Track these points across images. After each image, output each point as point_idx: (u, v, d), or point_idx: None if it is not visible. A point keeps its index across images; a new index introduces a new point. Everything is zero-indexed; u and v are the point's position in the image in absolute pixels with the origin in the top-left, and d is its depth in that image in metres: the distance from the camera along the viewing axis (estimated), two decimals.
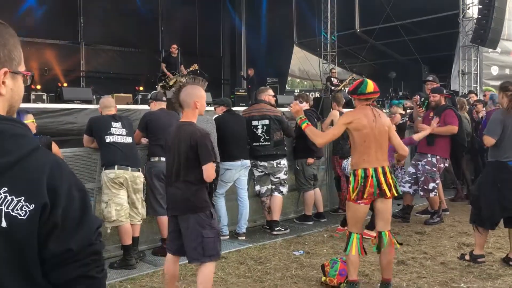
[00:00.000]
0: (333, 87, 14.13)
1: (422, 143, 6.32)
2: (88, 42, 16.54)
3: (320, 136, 4.04)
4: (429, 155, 6.33)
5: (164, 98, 5.69)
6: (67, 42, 16.14)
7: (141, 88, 14.74)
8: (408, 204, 6.66)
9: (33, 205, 1.07)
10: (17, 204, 1.06)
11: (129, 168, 4.73)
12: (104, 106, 4.98)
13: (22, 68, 1.23)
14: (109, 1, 16.65)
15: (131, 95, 12.51)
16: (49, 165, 1.13)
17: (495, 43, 13.00)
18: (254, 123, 6.01)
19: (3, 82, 1.17)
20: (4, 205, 1.06)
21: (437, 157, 6.28)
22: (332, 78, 14.56)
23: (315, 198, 6.68)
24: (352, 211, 3.87)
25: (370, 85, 3.81)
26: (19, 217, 1.06)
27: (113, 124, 4.78)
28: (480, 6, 12.52)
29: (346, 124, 3.79)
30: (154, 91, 7.21)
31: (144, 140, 5.40)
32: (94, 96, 10.58)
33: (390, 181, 3.79)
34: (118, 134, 4.76)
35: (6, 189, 1.07)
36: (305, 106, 6.85)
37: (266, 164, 5.98)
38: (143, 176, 4.94)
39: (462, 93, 13.38)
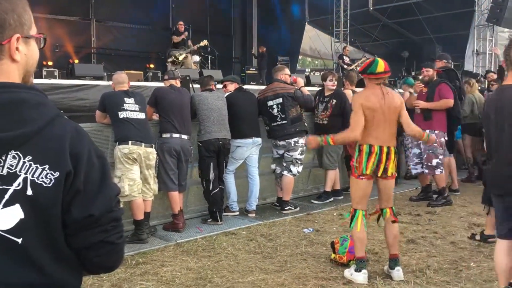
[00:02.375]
0: (345, 66, 13.98)
1: (419, 119, 6.27)
2: (99, 19, 16.46)
3: (351, 130, 3.83)
4: (427, 131, 6.26)
5: (167, 77, 5.64)
6: (78, 18, 16.06)
7: (151, 66, 14.73)
8: (427, 184, 6.65)
9: (58, 173, 1.09)
10: (42, 172, 1.08)
11: (143, 144, 4.76)
12: (117, 82, 4.98)
13: (33, 31, 1.21)
14: None
15: (142, 72, 12.49)
16: (70, 132, 1.14)
17: None
18: (269, 103, 5.97)
19: (17, 48, 1.16)
20: (30, 173, 1.08)
21: (436, 131, 6.23)
22: (344, 57, 14.39)
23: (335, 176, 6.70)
24: (356, 187, 3.88)
25: (381, 65, 3.77)
26: (44, 185, 1.08)
27: (126, 100, 4.79)
28: None
29: (361, 106, 3.76)
30: (168, 70, 7.19)
31: (155, 116, 5.42)
32: (105, 73, 10.59)
33: (391, 162, 3.78)
34: (131, 110, 4.77)
35: (31, 157, 1.08)
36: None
37: (285, 143, 5.95)
38: (155, 152, 4.97)
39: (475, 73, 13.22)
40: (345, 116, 6.07)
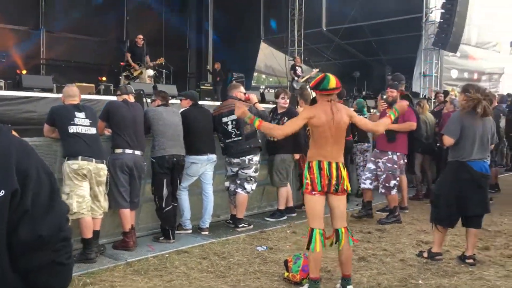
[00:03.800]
0: (296, 78, 14.08)
1: (382, 140, 6.45)
2: (50, 29, 16.02)
3: (279, 128, 4.04)
4: (389, 152, 6.47)
5: (119, 92, 5.54)
6: (27, 28, 15.58)
7: (104, 78, 14.43)
8: (368, 200, 6.79)
9: (3, 191, 1.04)
10: None
11: (93, 160, 4.62)
12: (67, 95, 4.83)
13: None
14: None
15: (93, 85, 12.21)
16: (16, 148, 1.09)
17: (456, 47, 13.43)
18: (224, 119, 5.96)
19: None
20: None
21: (398, 154, 6.44)
22: (297, 67, 14.37)
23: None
24: (310, 203, 3.91)
25: (333, 81, 3.84)
26: None
27: (77, 114, 4.64)
28: (442, 11, 12.89)
29: (307, 118, 3.83)
30: (121, 85, 7.04)
31: (107, 131, 5.29)
32: (55, 85, 10.26)
33: (342, 178, 3.86)
34: (81, 125, 4.63)
35: None
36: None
37: (239, 160, 5.94)
38: (106, 168, 4.83)
39: (422, 94, 13.79)
40: (296, 134, 6.15)
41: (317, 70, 14.47)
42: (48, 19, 15.87)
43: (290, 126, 3.99)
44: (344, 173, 3.89)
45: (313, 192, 3.83)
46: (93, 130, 4.74)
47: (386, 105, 6.65)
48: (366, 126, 4.23)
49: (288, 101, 6.73)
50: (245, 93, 6.36)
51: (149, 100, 7.73)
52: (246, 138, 5.91)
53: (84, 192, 4.60)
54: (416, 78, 14.15)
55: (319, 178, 3.80)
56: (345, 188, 3.88)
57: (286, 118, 6.45)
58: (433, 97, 12.73)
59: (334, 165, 3.83)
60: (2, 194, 1.03)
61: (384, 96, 6.83)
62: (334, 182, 3.81)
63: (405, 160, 6.68)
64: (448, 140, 4.68)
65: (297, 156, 6.60)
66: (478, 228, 4.83)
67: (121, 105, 5.26)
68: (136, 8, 17.95)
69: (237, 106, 4.12)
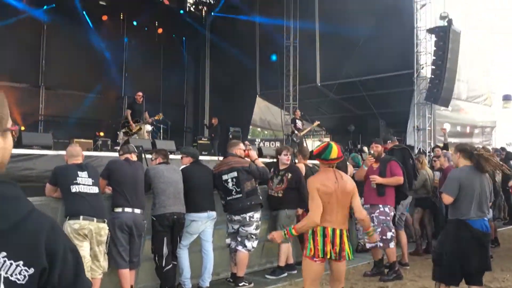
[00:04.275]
0: (296, 131, 14.25)
1: (372, 194, 6.52)
2: (49, 86, 16.31)
3: (313, 216, 3.89)
4: (380, 206, 6.54)
5: (122, 152, 5.63)
6: (27, 85, 15.86)
7: (101, 134, 14.57)
8: (379, 259, 6.73)
9: (32, 269, 1.08)
10: (16, 268, 1.06)
11: (95, 219, 4.61)
12: (71, 154, 4.89)
13: (9, 123, 1.23)
14: (72, 45, 16.60)
15: (91, 140, 12.32)
16: (46, 228, 1.14)
17: (447, 101, 13.75)
18: (224, 177, 5.99)
19: None
20: (4, 270, 1.06)
21: (389, 206, 6.52)
22: (297, 120, 14.56)
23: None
24: (309, 269, 3.92)
25: (334, 151, 3.95)
26: (18, 282, 1.06)
27: (79, 173, 4.68)
28: (433, 67, 13.28)
29: (317, 190, 3.88)
30: (123, 144, 7.12)
31: (108, 189, 5.31)
32: (53, 141, 10.33)
33: (345, 245, 3.90)
34: (84, 184, 4.66)
35: (5, 253, 1.07)
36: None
37: (240, 218, 5.93)
38: (107, 228, 4.81)
39: (417, 148, 13.96)
40: (300, 189, 6.25)
41: (317, 123, 14.70)
42: (47, 76, 16.20)
43: (317, 208, 3.88)
44: (347, 241, 3.92)
45: (314, 259, 3.85)
46: (95, 189, 4.76)
47: (373, 159, 6.82)
48: (358, 209, 4.14)
49: (290, 157, 6.82)
50: (245, 150, 6.44)
51: (148, 156, 7.79)
52: (247, 195, 5.93)
53: (84, 252, 4.55)
54: (410, 132, 14.37)
55: (322, 245, 3.83)
56: (346, 256, 3.91)
57: (289, 174, 6.53)
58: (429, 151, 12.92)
59: (338, 232, 3.87)
60: (32, 272, 1.07)
61: (372, 151, 6.99)
62: (337, 249, 3.84)
63: (395, 212, 6.76)
64: (447, 199, 4.74)
65: (300, 211, 6.59)
66: (480, 286, 4.79)
67: (122, 163, 5.32)
68: (135, 65, 18.38)
69: (274, 237, 4.20)
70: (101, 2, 16.75)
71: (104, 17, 17.36)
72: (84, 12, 16.41)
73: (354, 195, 4.03)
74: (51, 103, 16.25)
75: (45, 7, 15.92)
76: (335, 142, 4.10)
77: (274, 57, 18.81)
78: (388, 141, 7.54)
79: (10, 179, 1.20)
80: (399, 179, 6.60)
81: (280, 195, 6.52)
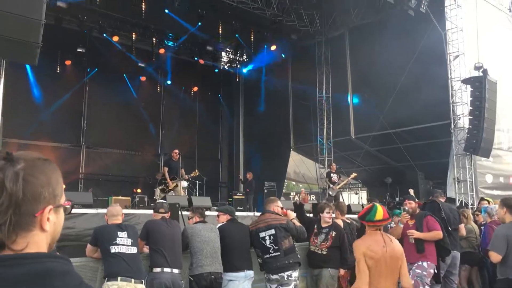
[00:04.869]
0: (331, 185, 14.06)
1: (411, 252, 6.26)
2: (89, 145, 16.87)
3: (360, 284, 3.74)
4: (419, 261, 6.29)
5: (162, 209, 5.68)
6: (69, 145, 16.45)
7: (138, 190, 14.81)
8: None
9: None
10: None
11: (132, 280, 4.60)
12: (111, 214, 4.98)
13: (63, 199, 1.26)
14: (111, 105, 17.28)
15: (129, 198, 12.51)
16: None
17: (488, 152, 13.36)
18: (261, 234, 5.92)
19: (48, 219, 1.19)
20: None
21: (428, 262, 6.25)
22: (332, 174, 14.38)
23: None
24: None
25: (380, 213, 3.85)
26: None
27: (119, 234, 4.74)
28: (470, 117, 13.04)
29: (363, 255, 3.75)
30: (157, 202, 7.19)
31: (146, 249, 5.32)
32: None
33: None
34: (123, 244, 4.70)
35: None
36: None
37: (278, 277, 5.79)
38: None
39: (458, 200, 13.50)
40: (342, 248, 6.27)
41: (354, 175, 14.50)
42: (88, 135, 16.79)
43: (363, 275, 3.73)
44: None
45: None
46: (134, 250, 4.79)
47: (409, 216, 6.63)
48: (404, 276, 3.92)
49: (333, 215, 6.72)
50: (282, 208, 6.38)
51: (185, 213, 7.82)
52: (285, 253, 5.80)
53: None
54: (450, 184, 13.93)
55: None
56: None
57: (333, 232, 6.43)
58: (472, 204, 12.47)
59: None
60: None
61: (406, 208, 6.81)
62: None
63: (435, 271, 6.43)
64: (495, 257, 4.53)
65: (342, 271, 6.39)
66: None
67: (160, 223, 5.35)
68: (171, 122, 18.89)
69: None
70: (140, 64, 17.49)
71: (143, 78, 18.09)
72: (124, 75, 17.14)
73: (402, 261, 3.86)
74: (91, 161, 16.76)
75: (88, 69, 16.76)
76: (380, 204, 4.00)
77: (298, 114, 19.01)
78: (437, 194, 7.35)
79: (61, 254, 1.23)
80: (438, 233, 6.36)
81: (324, 252, 6.39)
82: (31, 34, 7.11)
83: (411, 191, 11.83)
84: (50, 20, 13.05)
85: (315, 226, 6.67)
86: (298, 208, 6.94)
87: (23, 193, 1.14)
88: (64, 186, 1.31)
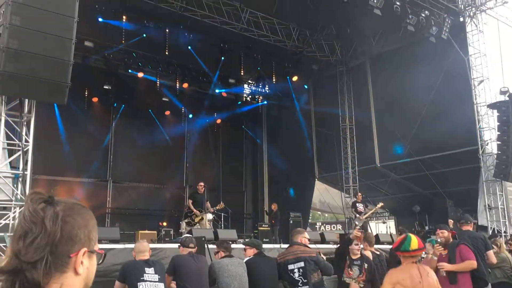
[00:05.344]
0: (358, 215, 13.82)
1: (445, 283, 6.03)
2: (116, 179, 17.08)
3: None
4: None
5: (192, 244, 5.69)
6: (96, 180, 16.70)
7: (164, 224, 14.84)
8: None
9: None
10: None
11: None
12: (138, 250, 5.00)
13: (97, 247, 1.29)
14: (137, 140, 17.56)
15: (155, 232, 12.52)
16: None
17: None
18: (290, 267, 5.84)
19: (81, 262, 1.21)
20: None
21: None
22: (358, 204, 14.09)
23: None
24: None
25: (414, 242, 3.73)
26: None
27: (147, 270, 4.75)
28: (498, 142, 12.80)
29: (392, 285, 3.65)
30: (183, 236, 7.21)
31: (173, 284, 5.31)
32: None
33: None
34: (150, 281, 4.70)
35: None
36: (364, 247, 6.76)
37: None
38: None
39: (490, 228, 13.12)
40: (373, 281, 6.18)
41: (381, 205, 14.26)
42: (114, 170, 17.02)
43: None
44: None
45: None
46: (161, 286, 4.79)
47: (441, 248, 6.42)
48: None
49: (361, 246, 6.61)
50: (309, 239, 6.31)
51: (211, 246, 7.80)
52: (314, 287, 5.71)
53: None
54: (481, 211, 13.58)
55: None
56: None
57: (366, 265, 6.33)
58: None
59: None
60: None
61: (438, 239, 6.59)
62: None
63: None
64: None
65: None
66: None
67: (187, 258, 5.35)
68: (195, 155, 19.06)
69: None
70: (164, 99, 17.83)
71: (167, 112, 18.39)
72: (149, 109, 17.48)
73: None
74: (118, 195, 16.94)
75: (114, 105, 17.15)
76: (413, 234, 3.90)
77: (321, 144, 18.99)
78: (462, 221, 7.10)
79: None
80: (471, 263, 6.09)
81: (361, 285, 6.27)
82: (61, 75, 7.35)
83: (451, 222, 11.50)
84: (78, 59, 13.48)
85: (347, 258, 6.56)
86: (346, 242, 6.71)
87: (60, 233, 1.19)
88: (97, 231, 1.33)
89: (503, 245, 8.00)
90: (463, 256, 6.16)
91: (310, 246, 8.28)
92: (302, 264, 5.79)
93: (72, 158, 15.60)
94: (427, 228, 14.96)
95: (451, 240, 6.47)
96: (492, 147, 13.54)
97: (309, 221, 23.40)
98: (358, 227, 7.45)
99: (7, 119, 8.06)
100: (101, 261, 1.33)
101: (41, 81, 7.31)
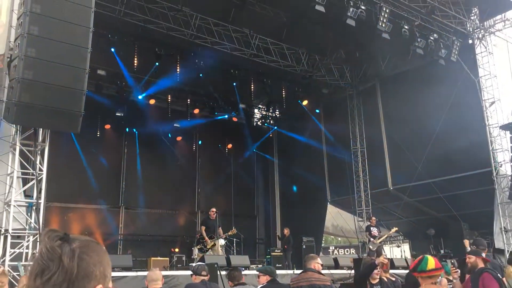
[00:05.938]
0: (372, 239, 13.64)
1: None
2: (128, 206, 17.12)
3: None
4: None
5: (204, 272, 5.67)
6: (109, 207, 16.75)
7: (176, 250, 14.79)
8: None
9: None
10: None
11: None
12: (151, 279, 4.99)
13: (110, 284, 1.31)
14: (149, 166, 17.66)
15: (167, 258, 12.51)
16: None
17: None
18: None
19: None
20: None
21: None
22: (372, 228, 13.90)
23: None
24: None
25: (431, 262, 3.68)
26: None
27: None
28: None
29: None
30: (195, 264, 7.18)
31: None
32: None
33: None
34: None
35: None
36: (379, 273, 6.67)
37: None
38: None
39: (508, 251, 12.86)
40: None
41: (395, 229, 14.07)
42: (127, 196, 17.07)
43: None
44: None
45: None
46: None
47: (457, 271, 6.27)
48: None
49: (380, 271, 6.52)
50: (322, 264, 6.24)
51: (223, 273, 7.76)
52: None
53: None
54: (497, 234, 13.34)
55: None
56: None
57: None
58: None
59: None
60: None
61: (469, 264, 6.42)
62: None
63: None
64: None
65: None
66: None
67: (200, 286, 5.32)
68: (207, 180, 19.07)
69: None
70: (176, 125, 17.97)
71: (178, 138, 18.51)
72: (161, 136, 17.62)
73: None
74: (130, 222, 16.95)
75: (126, 131, 17.32)
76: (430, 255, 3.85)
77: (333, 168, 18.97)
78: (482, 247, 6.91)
79: None
80: None
81: None
82: (74, 104, 7.48)
83: (467, 243, 11.24)
84: (91, 88, 13.68)
85: (367, 283, 6.47)
86: (370, 268, 6.57)
87: (77, 270, 1.21)
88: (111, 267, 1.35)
89: (510, 270, 7.78)
90: (485, 285, 5.97)
91: (324, 271, 8.23)
92: None
93: (85, 185, 15.70)
94: (442, 252, 14.72)
95: (481, 265, 6.24)
96: (506, 169, 13.40)
97: (323, 245, 23.15)
98: (384, 254, 7.29)
99: (21, 148, 8.18)
100: None
101: (55, 110, 7.43)
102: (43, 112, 7.41)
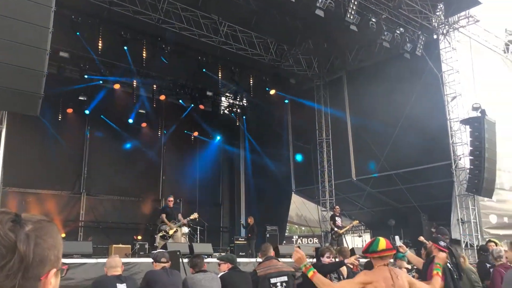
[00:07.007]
0: (336, 228, 13.84)
1: None
2: (90, 192, 16.78)
3: (330, 285, 3.67)
4: None
5: (164, 259, 5.60)
6: (69, 193, 16.37)
7: (139, 237, 14.64)
8: None
9: None
10: None
11: None
12: (110, 266, 4.90)
13: (61, 263, 1.24)
14: (112, 152, 17.34)
15: (129, 246, 12.32)
16: None
17: (491, 192, 13.29)
18: (273, 280, 5.76)
19: (50, 282, 1.17)
20: None
21: None
22: (336, 217, 14.15)
23: None
24: None
25: (382, 243, 3.76)
26: None
27: (118, 286, 4.65)
28: (471, 157, 13.04)
29: (362, 284, 3.64)
30: (155, 251, 7.11)
31: None
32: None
33: None
34: None
35: None
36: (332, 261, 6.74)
37: None
38: None
39: (464, 242, 13.30)
40: None
41: (356, 222, 14.30)
42: (88, 183, 16.72)
43: (341, 287, 3.86)
44: None
45: None
46: None
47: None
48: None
49: (333, 259, 6.60)
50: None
51: (185, 260, 7.71)
52: None
53: None
54: (454, 225, 13.77)
55: None
56: None
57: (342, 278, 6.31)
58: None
59: None
60: None
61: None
62: None
63: None
64: None
65: None
66: None
67: (160, 273, 5.26)
68: (172, 167, 18.89)
69: (296, 250, 3.89)
70: (140, 111, 17.66)
71: (143, 124, 18.20)
72: (125, 121, 17.28)
73: (414, 286, 3.73)
74: (91, 209, 16.62)
75: (89, 116, 16.89)
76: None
77: (299, 157, 19.20)
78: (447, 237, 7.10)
79: None
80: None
81: None
82: (34, 85, 7.21)
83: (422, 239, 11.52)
84: (52, 70, 13.27)
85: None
86: (336, 266, 6.56)
87: (33, 256, 1.13)
88: (64, 235, 1.29)
89: (465, 257, 8.07)
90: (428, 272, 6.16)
91: (288, 260, 8.30)
92: (285, 278, 5.74)
93: (45, 170, 15.29)
94: (401, 241, 15.08)
95: (436, 252, 6.41)
96: (465, 162, 13.80)
97: (286, 234, 23.37)
98: (357, 255, 7.38)
99: None
100: (63, 274, 1.28)
101: (13, 91, 7.15)
102: (0, 92, 7.12)
